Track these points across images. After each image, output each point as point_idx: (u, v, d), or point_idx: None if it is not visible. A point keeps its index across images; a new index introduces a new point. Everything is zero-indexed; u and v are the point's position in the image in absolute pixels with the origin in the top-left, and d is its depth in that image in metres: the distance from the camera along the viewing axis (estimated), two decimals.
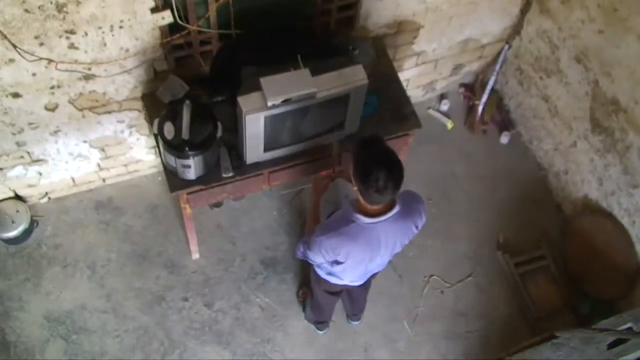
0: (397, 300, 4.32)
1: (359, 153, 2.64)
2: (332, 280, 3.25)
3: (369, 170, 2.54)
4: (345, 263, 2.92)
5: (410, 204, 2.86)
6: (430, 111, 5.01)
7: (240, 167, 3.43)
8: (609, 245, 4.17)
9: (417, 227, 2.92)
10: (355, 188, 2.65)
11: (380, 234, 2.79)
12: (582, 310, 4.28)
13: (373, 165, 2.54)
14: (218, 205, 4.36)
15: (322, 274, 3.26)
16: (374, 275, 3.41)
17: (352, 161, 2.66)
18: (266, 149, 3.35)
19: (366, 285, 3.58)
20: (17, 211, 4.11)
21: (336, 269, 3.03)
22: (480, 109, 4.89)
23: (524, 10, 4.43)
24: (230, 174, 3.41)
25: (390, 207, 2.73)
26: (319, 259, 2.93)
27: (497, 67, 4.75)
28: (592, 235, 4.27)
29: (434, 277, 4.41)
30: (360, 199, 2.68)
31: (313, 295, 3.72)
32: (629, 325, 3.45)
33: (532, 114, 4.76)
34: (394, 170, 2.56)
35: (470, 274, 4.44)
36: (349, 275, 3.15)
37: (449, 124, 4.96)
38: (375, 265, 3.09)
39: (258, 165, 3.47)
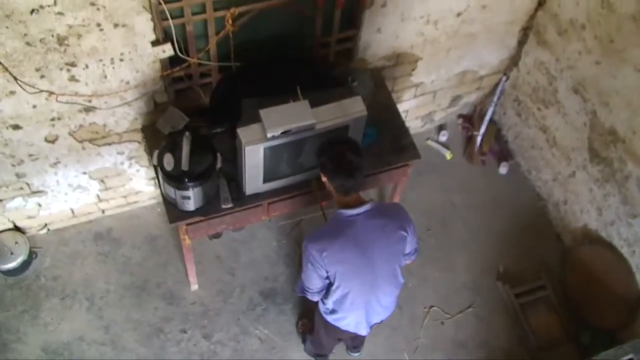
0: (397, 331, 4.29)
1: (321, 153, 2.90)
2: (340, 324, 3.20)
3: (333, 157, 2.84)
4: (337, 280, 2.90)
5: (387, 206, 3.13)
6: (429, 142, 5.03)
7: (240, 198, 3.44)
8: (609, 275, 4.15)
9: (406, 231, 2.96)
10: (333, 187, 2.88)
11: (359, 230, 2.86)
12: (583, 341, 4.25)
13: (335, 152, 2.85)
14: (217, 236, 4.35)
15: (329, 319, 3.21)
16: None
17: (320, 166, 2.90)
18: (265, 180, 3.36)
19: None
20: (16, 242, 4.10)
21: (334, 296, 3.00)
22: (478, 139, 4.91)
23: (521, 42, 4.47)
24: (230, 205, 3.42)
25: (364, 202, 2.90)
26: (312, 278, 2.93)
27: (495, 98, 4.78)
28: (592, 265, 4.26)
29: (434, 307, 4.39)
30: (337, 195, 2.91)
31: (315, 333, 3.68)
32: (629, 356, 3.42)
33: (531, 145, 4.77)
34: (356, 149, 2.85)
35: (470, 305, 4.42)
36: (351, 306, 3.06)
37: (448, 155, 4.97)
38: (376, 298, 3.06)
39: (257, 196, 3.47)
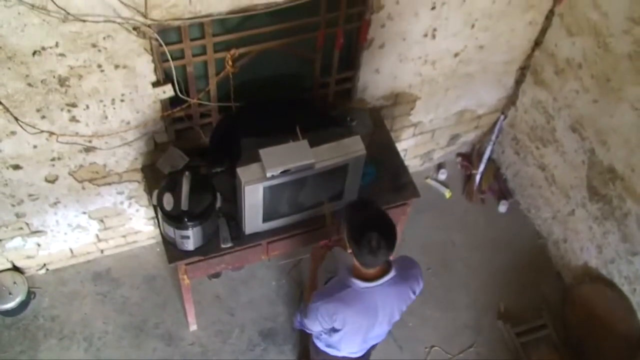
0: None
1: (351, 216, 2.68)
2: (332, 352, 3.21)
3: (362, 232, 2.56)
4: (343, 330, 2.88)
5: (406, 268, 2.87)
6: (429, 180, 5.04)
7: (239, 237, 3.43)
8: (610, 313, 4.13)
9: (414, 293, 2.91)
10: (350, 251, 2.67)
11: (377, 300, 2.78)
12: None
13: (365, 226, 2.57)
14: (216, 275, 4.33)
15: (321, 345, 3.22)
16: (373, 347, 3.36)
17: (344, 226, 2.69)
18: (265, 220, 3.36)
19: (366, 358, 3.53)
20: (15, 282, 4.08)
21: (334, 337, 2.99)
22: (477, 178, 4.92)
23: (518, 82, 4.51)
24: (229, 245, 3.41)
25: (385, 271, 2.74)
26: (316, 327, 2.90)
27: (494, 136, 4.80)
28: (592, 303, 4.23)
29: (435, 347, 4.35)
30: (356, 263, 2.70)
31: None
32: None
33: (530, 183, 4.78)
34: (387, 231, 2.60)
35: (471, 345, 4.38)
36: (347, 345, 3.10)
37: (447, 193, 4.98)
38: (374, 335, 3.05)
39: (257, 236, 3.47)
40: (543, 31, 4.12)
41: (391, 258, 2.75)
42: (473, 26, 3.83)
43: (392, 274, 2.74)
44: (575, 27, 3.86)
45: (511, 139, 4.82)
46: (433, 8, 3.55)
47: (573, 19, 3.86)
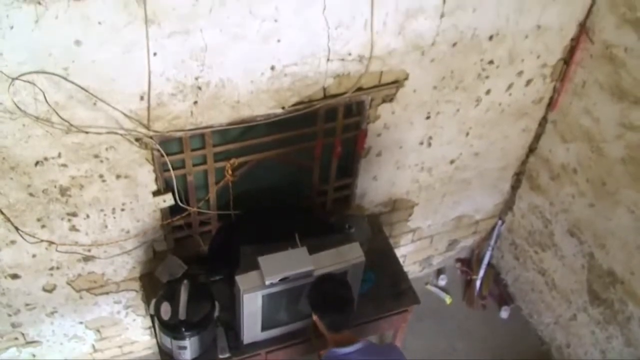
0: None
1: (311, 290, 2.94)
2: None
3: (322, 292, 2.90)
4: None
5: (386, 349, 3.09)
6: (428, 286, 5.01)
7: (237, 347, 3.38)
8: None
9: None
10: (323, 327, 2.90)
11: None
12: None
13: (323, 287, 2.92)
14: None
15: None
16: None
17: (310, 305, 2.93)
18: (264, 328, 3.31)
19: None
20: None
21: None
22: (478, 283, 4.90)
23: (514, 187, 4.56)
24: (227, 355, 3.35)
25: (358, 340, 2.88)
26: None
27: (492, 242, 4.82)
28: None
29: None
30: (328, 333, 2.91)
31: None
32: None
33: (530, 288, 4.75)
34: (344, 285, 2.95)
35: None
36: None
37: (448, 299, 4.93)
38: None
39: (255, 345, 3.41)
40: (537, 137, 4.20)
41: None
42: (467, 134, 3.91)
43: (362, 343, 2.85)
44: (568, 133, 3.95)
45: (510, 244, 4.83)
46: (428, 117, 3.65)
47: (566, 126, 3.95)
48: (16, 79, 2.47)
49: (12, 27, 2.32)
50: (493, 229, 4.82)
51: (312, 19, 2.83)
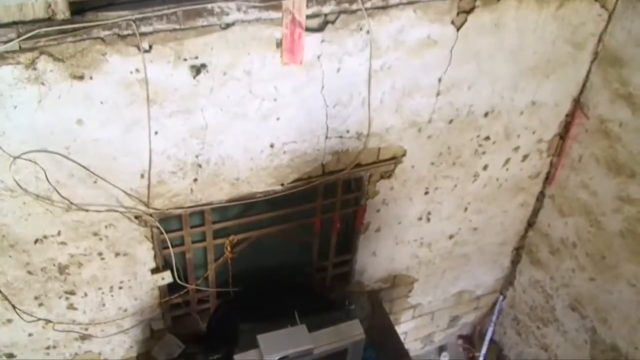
0: None
1: None
2: None
3: None
4: None
5: None
6: None
7: None
8: None
9: None
10: None
11: None
12: None
13: None
14: None
15: None
16: None
17: None
18: None
19: None
20: None
21: None
22: None
23: (514, 262, 4.55)
24: None
25: None
26: None
27: (494, 317, 4.77)
28: None
29: None
30: None
31: None
32: None
33: None
34: None
35: None
36: None
37: None
38: None
39: None
40: (535, 212, 4.22)
41: None
42: (466, 209, 3.93)
43: None
44: (566, 207, 3.97)
45: (512, 320, 4.78)
46: (426, 193, 3.67)
47: (564, 200, 3.97)
48: (18, 157, 2.50)
49: (15, 107, 2.36)
50: (494, 304, 4.79)
51: (311, 98, 2.88)
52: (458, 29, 2.99)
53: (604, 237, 3.76)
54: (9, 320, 3.13)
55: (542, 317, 4.45)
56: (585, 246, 3.92)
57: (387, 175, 3.46)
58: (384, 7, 2.75)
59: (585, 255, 3.93)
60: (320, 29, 2.69)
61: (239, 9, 2.47)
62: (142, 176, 2.80)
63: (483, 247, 4.29)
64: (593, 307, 3.99)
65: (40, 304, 3.13)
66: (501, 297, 4.75)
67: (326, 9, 2.63)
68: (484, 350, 4.83)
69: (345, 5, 2.66)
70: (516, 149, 3.74)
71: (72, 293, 3.16)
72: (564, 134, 3.80)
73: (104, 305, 3.28)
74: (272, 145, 2.98)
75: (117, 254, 3.08)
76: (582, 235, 3.91)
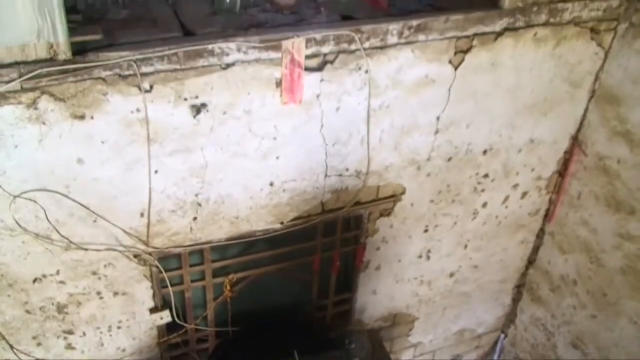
0: None
1: None
2: None
3: None
4: None
5: None
6: None
7: None
8: None
9: None
10: None
11: None
12: None
13: None
14: None
15: None
16: None
17: None
18: None
19: None
20: None
21: None
22: None
23: (515, 299, 4.52)
24: None
25: None
26: None
27: (495, 356, 4.73)
28: None
29: None
30: None
31: None
32: None
33: None
34: None
35: None
36: None
37: None
38: None
39: None
40: (535, 249, 4.21)
41: None
42: (466, 246, 3.92)
43: None
44: (566, 244, 3.96)
45: (513, 358, 4.73)
46: (426, 230, 3.67)
47: (564, 237, 3.97)
48: (18, 196, 2.50)
49: (16, 146, 2.37)
50: (496, 342, 4.75)
51: (310, 137, 2.90)
52: (456, 68, 3.02)
53: (605, 274, 3.75)
54: None
55: (544, 355, 4.41)
56: (585, 283, 3.90)
57: (387, 213, 3.46)
58: (382, 47, 2.78)
59: (586, 293, 3.92)
60: (319, 68, 2.72)
61: (239, 50, 2.50)
62: (142, 215, 2.80)
63: (483, 284, 4.27)
64: (595, 345, 3.95)
65: (39, 344, 3.10)
66: (502, 336, 4.71)
67: (325, 49, 2.67)
68: None
69: (344, 46, 2.69)
70: (515, 186, 3.75)
71: (71, 332, 3.13)
72: (562, 171, 3.81)
73: (102, 345, 3.25)
74: (271, 184, 2.99)
75: (115, 293, 3.07)
76: (583, 272, 3.90)
